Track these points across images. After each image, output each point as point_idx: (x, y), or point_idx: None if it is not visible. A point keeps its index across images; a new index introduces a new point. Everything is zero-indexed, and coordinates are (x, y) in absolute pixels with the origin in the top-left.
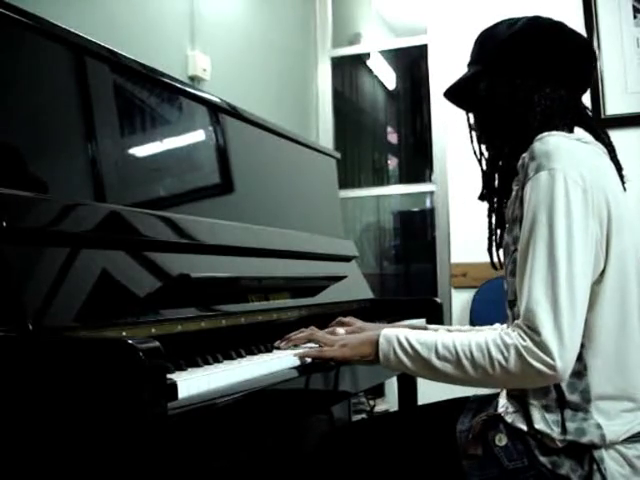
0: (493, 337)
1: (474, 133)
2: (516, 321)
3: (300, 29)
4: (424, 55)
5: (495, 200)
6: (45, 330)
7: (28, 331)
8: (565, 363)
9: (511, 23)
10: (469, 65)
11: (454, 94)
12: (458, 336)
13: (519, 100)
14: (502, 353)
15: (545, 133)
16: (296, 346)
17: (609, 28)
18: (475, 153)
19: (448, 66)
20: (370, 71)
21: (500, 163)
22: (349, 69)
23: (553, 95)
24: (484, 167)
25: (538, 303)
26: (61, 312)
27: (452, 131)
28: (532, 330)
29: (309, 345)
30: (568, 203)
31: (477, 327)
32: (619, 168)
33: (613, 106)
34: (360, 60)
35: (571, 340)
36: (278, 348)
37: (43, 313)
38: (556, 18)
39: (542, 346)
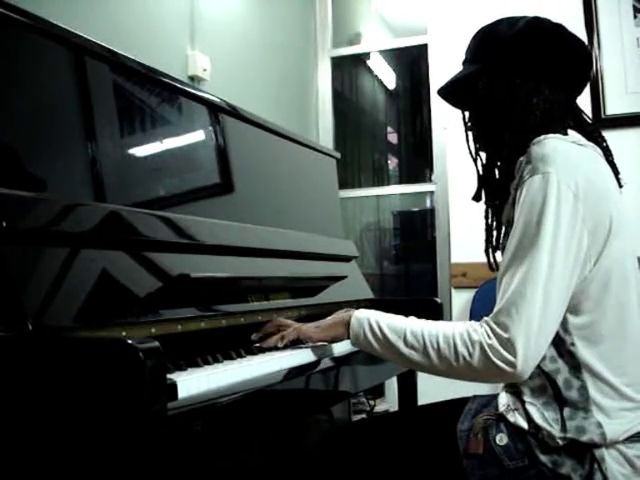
0: (460, 331)
1: (470, 133)
2: (485, 318)
3: (300, 29)
4: (424, 55)
5: (492, 202)
6: (45, 330)
7: (28, 331)
8: (526, 363)
9: (511, 23)
10: (465, 63)
11: (449, 92)
12: (427, 324)
13: (518, 101)
14: (467, 348)
15: (542, 136)
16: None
17: (609, 28)
18: (471, 153)
19: (448, 66)
20: (370, 71)
21: (498, 164)
22: (349, 69)
23: (552, 98)
24: (479, 168)
25: (513, 303)
26: (61, 312)
27: (452, 131)
28: (500, 327)
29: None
30: (558, 208)
31: None
32: (616, 171)
33: (613, 106)
34: (360, 60)
35: (537, 343)
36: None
37: (43, 313)
38: (557, 18)
39: (507, 344)
